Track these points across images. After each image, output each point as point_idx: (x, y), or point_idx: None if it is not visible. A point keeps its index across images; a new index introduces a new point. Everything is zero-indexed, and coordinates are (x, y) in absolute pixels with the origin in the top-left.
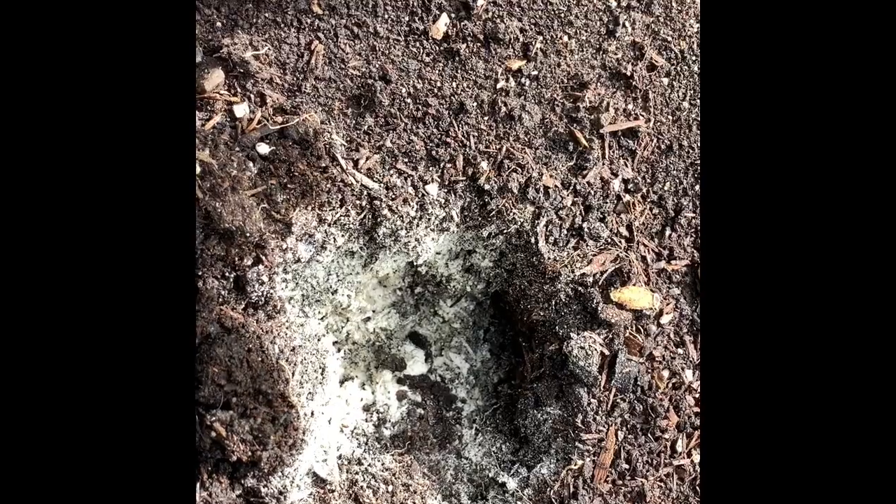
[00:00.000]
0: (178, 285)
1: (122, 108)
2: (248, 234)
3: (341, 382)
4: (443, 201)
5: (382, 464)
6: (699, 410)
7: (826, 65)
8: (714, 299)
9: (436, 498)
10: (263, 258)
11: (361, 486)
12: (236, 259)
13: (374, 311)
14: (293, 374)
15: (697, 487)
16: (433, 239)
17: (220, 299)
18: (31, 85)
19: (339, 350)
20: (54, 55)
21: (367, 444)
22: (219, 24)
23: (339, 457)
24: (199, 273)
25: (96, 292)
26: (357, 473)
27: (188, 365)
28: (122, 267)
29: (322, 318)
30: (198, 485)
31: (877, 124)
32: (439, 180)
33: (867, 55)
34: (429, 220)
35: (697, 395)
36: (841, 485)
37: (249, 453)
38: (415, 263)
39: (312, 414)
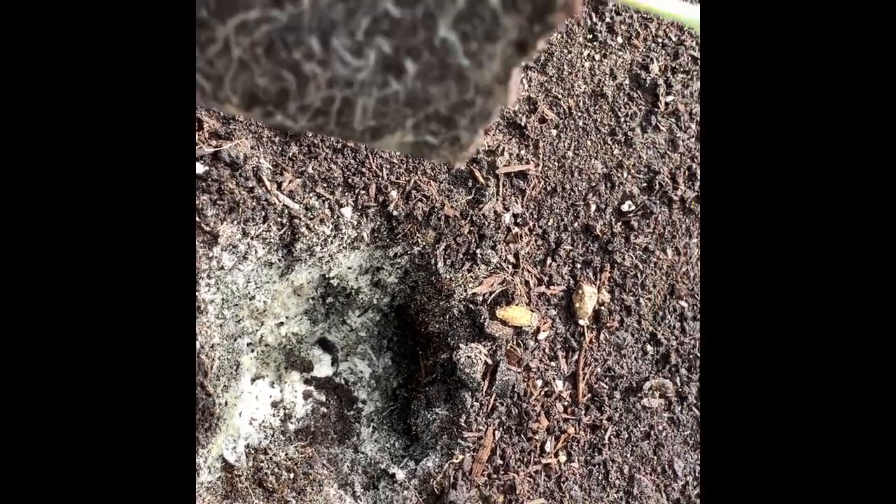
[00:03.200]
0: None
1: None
2: None
3: (253, 380)
4: (355, 223)
5: (286, 454)
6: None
7: (826, 68)
8: (715, 309)
9: (332, 486)
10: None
11: (266, 473)
12: None
13: (287, 317)
14: (211, 367)
15: (562, 484)
16: (345, 255)
17: None
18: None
19: (252, 350)
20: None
21: (273, 436)
22: None
23: (247, 446)
24: None
25: (103, 285)
26: (262, 462)
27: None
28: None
29: (239, 321)
30: None
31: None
32: (353, 204)
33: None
34: (342, 238)
35: (566, 403)
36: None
37: None
38: (327, 276)
39: (227, 403)
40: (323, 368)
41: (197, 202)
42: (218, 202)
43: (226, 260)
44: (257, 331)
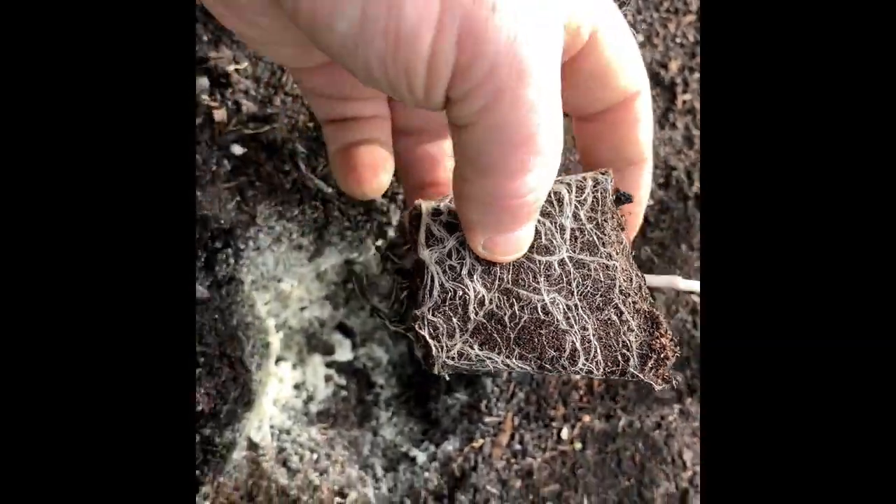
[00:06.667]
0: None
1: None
2: (221, 221)
3: (276, 362)
4: (384, 209)
5: (308, 435)
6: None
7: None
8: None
9: (354, 467)
10: (231, 243)
11: (289, 453)
12: (208, 242)
13: (310, 301)
14: (247, 345)
15: (577, 470)
16: (372, 241)
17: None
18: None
19: (277, 332)
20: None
21: (295, 417)
22: (205, 37)
23: (272, 426)
24: None
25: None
26: (286, 442)
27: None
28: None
29: (266, 304)
30: None
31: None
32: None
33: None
34: (372, 223)
35: (582, 392)
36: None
37: (212, 405)
38: (352, 261)
39: (260, 381)
40: (343, 352)
41: (237, 182)
42: (256, 183)
43: (262, 240)
44: (281, 314)
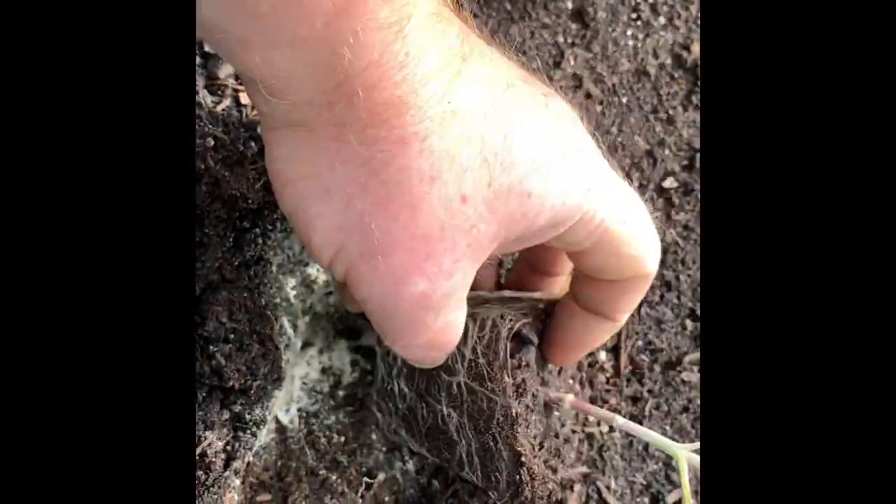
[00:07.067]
0: (179, 241)
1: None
2: (249, 201)
3: (303, 346)
4: None
5: (336, 418)
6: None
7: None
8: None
9: (381, 450)
10: (259, 223)
11: (317, 435)
12: (236, 222)
13: (335, 288)
14: (276, 324)
15: (604, 453)
16: None
17: (221, 254)
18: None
19: (304, 315)
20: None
21: (323, 400)
22: None
23: (299, 409)
24: (205, 230)
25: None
26: (314, 424)
27: (190, 306)
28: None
29: (292, 288)
30: (196, 405)
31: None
32: None
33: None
34: None
35: (608, 374)
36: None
37: (242, 381)
38: None
39: (288, 362)
40: (369, 337)
41: (263, 164)
42: None
43: (288, 223)
44: (308, 299)
